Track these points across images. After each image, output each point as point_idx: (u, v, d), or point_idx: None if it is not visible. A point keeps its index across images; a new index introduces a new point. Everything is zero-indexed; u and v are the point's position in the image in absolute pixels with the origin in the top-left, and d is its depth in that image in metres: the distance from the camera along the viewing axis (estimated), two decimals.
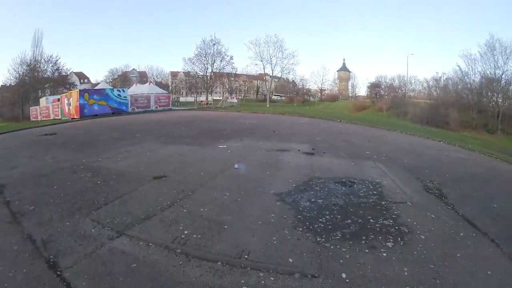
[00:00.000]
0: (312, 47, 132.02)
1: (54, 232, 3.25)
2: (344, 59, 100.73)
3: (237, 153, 7.43)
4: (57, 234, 3.22)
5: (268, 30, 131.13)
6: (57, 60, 46.33)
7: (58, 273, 2.52)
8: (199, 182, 4.96)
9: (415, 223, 3.58)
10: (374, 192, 4.65)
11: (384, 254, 2.82)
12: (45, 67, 45.35)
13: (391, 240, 3.11)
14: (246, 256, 2.74)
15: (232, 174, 5.65)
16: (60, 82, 47.54)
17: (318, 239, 3.08)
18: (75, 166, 6.10)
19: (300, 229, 3.32)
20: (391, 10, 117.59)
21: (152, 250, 2.82)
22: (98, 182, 4.95)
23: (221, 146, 8.37)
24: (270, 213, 3.77)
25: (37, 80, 43.03)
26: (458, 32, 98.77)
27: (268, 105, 48.12)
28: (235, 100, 53.17)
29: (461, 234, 3.41)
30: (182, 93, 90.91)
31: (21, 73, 42.51)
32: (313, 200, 4.22)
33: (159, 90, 41.06)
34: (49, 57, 45.18)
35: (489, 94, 36.84)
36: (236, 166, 6.17)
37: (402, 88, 53.38)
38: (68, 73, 51.55)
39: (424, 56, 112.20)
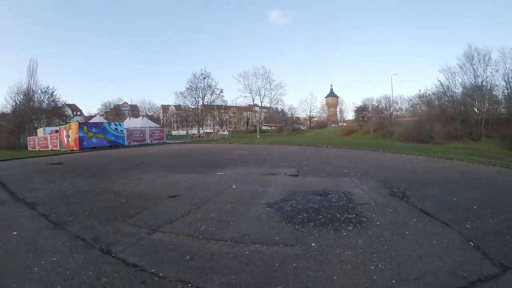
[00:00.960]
0: (300, 75, 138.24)
1: (100, 233, 4.20)
2: (331, 85, 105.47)
3: (233, 178, 8.61)
4: (102, 234, 4.17)
5: (255, 60, 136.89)
6: (53, 92, 47.74)
7: (113, 255, 3.47)
8: (206, 198, 6.13)
9: (374, 215, 4.78)
10: (344, 198, 5.91)
11: (345, 233, 4.00)
12: (42, 98, 46.63)
13: (351, 225, 4.30)
14: (247, 237, 3.90)
15: (231, 192, 6.81)
16: (56, 113, 48.78)
17: (296, 227, 4.28)
18: (96, 190, 7.20)
19: (284, 222, 4.51)
20: (374, 33, 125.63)
21: (182, 238, 3.94)
22: (123, 201, 6.05)
23: (219, 173, 9.55)
24: (262, 214, 4.95)
25: (33, 110, 43.91)
26: (438, 47, 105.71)
27: (258, 136, 49.66)
28: (226, 132, 54.63)
29: (414, 220, 4.55)
30: (173, 126, 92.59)
31: (17, 102, 43.40)
32: (294, 206, 5.44)
33: (152, 124, 42.58)
34: (45, 88, 46.60)
35: (471, 102, 38.36)
36: (233, 186, 7.39)
37: (389, 109, 55.43)
38: (62, 105, 52.80)
39: (409, 75, 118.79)
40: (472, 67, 37.56)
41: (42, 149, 30.52)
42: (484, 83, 36.97)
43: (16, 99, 43.49)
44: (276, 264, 3.12)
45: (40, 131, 36.24)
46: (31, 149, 32.81)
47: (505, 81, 35.96)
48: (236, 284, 2.73)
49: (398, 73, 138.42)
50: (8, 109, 44.77)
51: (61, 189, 7.56)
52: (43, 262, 3.28)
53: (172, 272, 2.98)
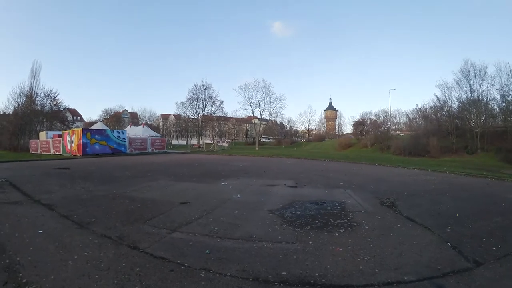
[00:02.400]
0: (299, 88, 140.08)
1: (124, 233, 4.73)
2: (330, 98, 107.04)
3: (237, 188, 9.28)
4: (126, 233, 4.71)
5: (256, 71, 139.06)
6: (56, 96, 47.70)
7: (141, 250, 4.04)
8: (214, 205, 6.79)
9: (363, 221, 5.48)
10: (338, 207, 6.62)
11: (337, 234, 4.69)
12: (44, 101, 46.44)
13: (343, 228, 5.00)
14: (255, 236, 4.58)
15: (236, 200, 7.48)
16: (58, 117, 48.72)
17: (296, 229, 4.97)
18: (110, 195, 7.82)
19: (285, 225, 5.19)
20: (373, 48, 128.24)
21: (198, 237, 4.59)
22: (139, 206, 6.66)
23: (223, 183, 10.22)
24: (265, 219, 5.64)
25: (35, 113, 43.90)
26: (436, 63, 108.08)
27: (257, 148, 50.46)
28: (225, 144, 55.25)
29: (399, 225, 5.28)
30: (173, 135, 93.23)
31: (20, 104, 43.25)
32: (293, 212, 6.13)
33: (153, 133, 43.11)
34: (48, 91, 46.46)
35: (467, 116, 38.80)
36: (238, 195, 8.06)
37: (387, 123, 56.13)
38: (64, 109, 52.63)
39: (408, 89, 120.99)
40: (468, 82, 38.27)
41: (44, 153, 31.07)
42: (480, 97, 37.65)
43: (19, 100, 43.39)
44: (280, 256, 3.80)
45: (42, 135, 36.69)
46: (33, 152, 33.29)
47: (501, 94, 36.63)
48: (249, 270, 3.38)
49: (397, 87, 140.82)
50: (10, 110, 44.78)
51: (75, 193, 8.19)
52: (75, 257, 3.71)
53: (195, 262, 3.61)
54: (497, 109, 38.23)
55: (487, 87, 37.23)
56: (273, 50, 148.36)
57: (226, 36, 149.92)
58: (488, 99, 37.59)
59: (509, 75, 35.52)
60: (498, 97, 37.04)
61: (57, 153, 29.49)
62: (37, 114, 44.67)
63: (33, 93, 43.80)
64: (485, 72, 37.00)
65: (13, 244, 4.16)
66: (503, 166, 23.78)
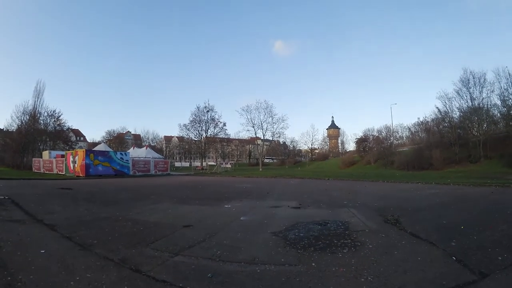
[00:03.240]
0: (301, 108, 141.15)
1: (126, 255, 4.69)
2: (332, 117, 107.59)
3: (240, 210, 9.25)
4: (128, 256, 4.67)
5: (258, 91, 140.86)
6: (59, 116, 48.30)
7: (143, 274, 4.01)
8: (218, 228, 6.75)
9: (367, 240, 5.42)
10: (342, 227, 6.57)
11: (340, 255, 4.64)
12: (48, 121, 47.03)
13: (347, 249, 4.95)
14: (257, 259, 4.54)
15: (240, 223, 7.45)
16: (61, 137, 49.19)
17: (299, 251, 4.92)
18: (113, 217, 7.80)
19: (288, 248, 5.14)
20: (374, 63, 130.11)
21: (201, 260, 4.56)
22: (141, 229, 6.64)
23: (227, 206, 10.19)
24: (268, 241, 5.60)
25: (38, 132, 44.38)
26: (436, 75, 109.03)
27: (261, 169, 50.31)
28: (228, 165, 55.24)
29: (403, 242, 5.23)
30: (176, 157, 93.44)
31: (23, 122, 43.91)
32: (297, 234, 6.07)
33: (156, 155, 43.30)
34: (52, 111, 47.05)
35: (469, 125, 39.10)
36: (241, 218, 8.03)
37: (389, 138, 56.55)
38: (67, 129, 53.22)
39: (409, 103, 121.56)
40: (468, 91, 38.75)
41: (47, 172, 31.37)
42: (480, 104, 37.92)
43: (22, 119, 44.03)
44: (283, 279, 3.76)
45: (45, 154, 37.07)
46: (36, 171, 33.62)
47: (501, 100, 37.06)
48: None
49: (398, 102, 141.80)
50: (13, 127, 45.47)
51: (78, 214, 8.19)
52: (78, 278, 3.71)
53: (197, 286, 3.60)
54: (498, 115, 38.68)
55: (487, 94, 37.75)
56: (274, 70, 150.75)
57: (229, 57, 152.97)
58: (489, 105, 38.00)
59: (508, 79, 36.08)
60: (499, 102, 37.58)
61: (60, 173, 29.73)
62: (41, 133, 45.18)
63: (37, 112, 44.46)
64: (485, 79, 37.60)
65: (15, 262, 4.17)
66: (507, 171, 23.51)
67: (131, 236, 5.94)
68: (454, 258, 4.26)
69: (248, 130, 61.54)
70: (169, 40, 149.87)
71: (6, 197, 10.34)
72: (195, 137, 63.27)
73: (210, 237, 5.96)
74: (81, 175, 25.89)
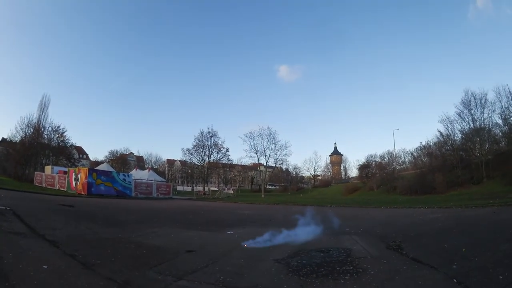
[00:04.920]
0: (304, 134, 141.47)
1: (129, 277, 4.72)
2: (335, 143, 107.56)
3: (243, 237, 9.17)
4: (132, 278, 4.70)
5: (260, 116, 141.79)
6: (63, 132, 48.48)
7: None
8: (220, 254, 6.79)
9: (369, 266, 5.44)
10: (344, 254, 6.58)
11: (342, 281, 4.69)
12: (52, 136, 47.12)
13: (349, 275, 4.98)
14: (260, 286, 4.58)
15: (242, 249, 7.47)
16: (64, 153, 48.96)
17: (301, 278, 4.96)
18: (116, 238, 7.81)
19: (290, 275, 5.17)
20: (375, 89, 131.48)
21: (204, 285, 4.60)
22: (144, 251, 6.66)
23: (229, 232, 10.20)
24: (271, 268, 5.63)
25: (42, 146, 44.32)
26: (438, 98, 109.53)
27: (263, 195, 49.91)
28: (231, 191, 54.91)
29: (404, 268, 5.29)
30: (178, 181, 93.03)
31: (27, 134, 43.89)
32: (299, 261, 6.09)
33: (158, 178, 43.26)
34: (56, 127, 47.27)
35: (471, 147, 39.02)
36: (244, 244, 7.99)
37: (392, 164, 56.45)
38: (70, 145, 52.86)
39: (412, 127, 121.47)
40: (470, 112, 38.94)
41: (49, 187, 31.19)
42: (482, 125, 38.06)
43: (26, 131, 44.09)
44: None
45: (48, 169, 37.03)
46: (37, 184, 33.37)
47: (502, 118, 37.28)
48: None
49: (400, 127, 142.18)
50: (17, 138, 45.55)
51: (80, 232, 8.17)
52: None
53: None
54: (500, 133, 38.77)
55: (489, 114, 38.05)
56: (277, 95, 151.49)
57: (233, 82, 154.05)
58: (491, 125, 38.17)
59: (508, 97, 36.31)
60: (500, 121, 37.77)
61: (61, 189, 29.58)
62: (44, 147, 45.19)
63: (41, 126, 44.58)
64: (485, 100, 37.89)
65: (16, 275, 4.18)
66: (509, 190, 23.18)
67: (134, 259, 5.98)
68: (455, 281, 4.31)
69: (251, 157, 61.65)
70: (174, 64, 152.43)
71: (8, 208, 10.19)
72: (198, 162, 63.31)
73: (213, 262, 5.98)
74: (82, 193, 25.83)
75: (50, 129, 46.62)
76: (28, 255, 5.32)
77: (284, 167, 78.63)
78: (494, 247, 5.95)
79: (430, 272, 4.93)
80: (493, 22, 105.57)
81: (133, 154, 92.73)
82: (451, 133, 42.00)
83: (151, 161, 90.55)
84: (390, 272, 5.07)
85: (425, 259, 5.66)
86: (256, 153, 58.47)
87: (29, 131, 44.19)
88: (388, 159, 58.26)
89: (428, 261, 5.50)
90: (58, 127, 47.90)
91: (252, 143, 59.04)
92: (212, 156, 61.52)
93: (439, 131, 44.22)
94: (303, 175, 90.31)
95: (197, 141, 60.34)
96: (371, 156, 63.02)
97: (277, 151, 58.67)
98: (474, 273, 4.53)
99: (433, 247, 6.64)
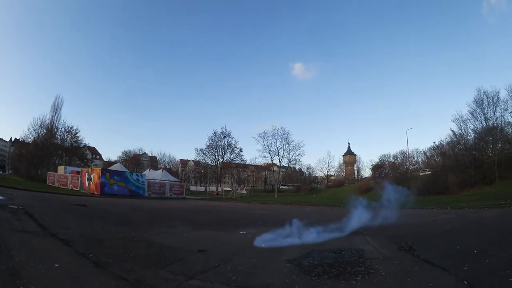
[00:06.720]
0: (318, 134, 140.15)
1: (141, 276, 4.76)
2: (349, 143, 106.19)
3: (255, 237, 9.18)
4: (144, 277, 4.75)
5: (273, 115, 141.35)
6: (76, 132, 49.35)
7: None
8: (232, 253, 6.83)
9: (380, 267, 5.37)
10: (356, 254, 6.50)
11: (353, 282, 4.63)
12: (65, 137, 48.16)
13: (360, 276, 4.92)
14: (272, 286, 4.58)
15: (254, 249, 7.47)
16: (77, 153, 49.87)
17: (313, 278, 4.93)
18: (128, 237, 7.96)
19: (302, 275, 5.15)
20: (389, 88, 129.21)
21: (216, 284, 4.64)
22: (156, 251, 6.76)
23: (242, 232, 10.24)
24: (283, 268, 5.62)
25: (55, 146, 45.34)
26: (451, 96, 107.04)
27: (276, 195, 49.90)
28: (244, 191, 55.01)
29: (416, 269, 5.21)
30: (192, 181, 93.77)
31: (40, 135, 44.96)
32: (311, 261, 6.05)
33: (171, 178, 43.66)
34: (69, 127, 48.18)
35: (483, 146, 38.72)
36: (256, 244, 8.01)
37: (405, 164, 55.67)
38: (83, 145, 53.78)
39: (426, 126, 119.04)
40: (482, 111, 38.58)
41: (62, 187, 31.77)
42: (494, 124, 37.73)
43: (39, 132, 45.12)
44: None
45: (61, 169, 37.84)
46: (50, 184, 34.11)
47: None
48: None
49: (414, 127, 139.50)
50: (30, 139, 46.59)
51: (92, 231, 8.36)
52: None
53: None
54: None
55: (501, 113, 37.72)
56: (292, 94, 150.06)
57: (247, 81, 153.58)
58: (503, 124, 37.85)
59: None
60: None
61: (74, 189, 30.08)
62: (57, 147, 46.22)
63: (54, 126, 45.64)
64: (498, 98, 37.54)
65: (28, 272, 4.28)
66: None
67: (146, 258, 6.06)
68: (466, 283, 4.25)
69: (264, 157, 61.80)
70: (188, 64, 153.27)
71: (20, 207, 10.39)
72: (211, 162, 63.70)
73: (225, 262, 6.01)
74: (95, 193, 26.26)
75: (63, 129, 47.64)
76: (40, 254, 5.44)
77: (297, 167, 78.35)
78: (505, 248, 5.86)
79: (441, 273, 4.87)
80: (506, 19, 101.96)
81: (147, 154, 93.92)
82: (464, 132, 41.76)
83: (164, 161, 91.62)
84: (401, 274, 5.01)
85: (436, 260, 5.58)
86: (269, 153, 58.65)
87: (42, 132, 45.23)
88: (401, 159, 57.47)
89: (440, 262, 5.42)
90: (71, 127, 48.88)
91: (265, 143, 59.22)
92: (225, 156, 61.93)
93: (452, 131, 43.99)
94: (317, 175, 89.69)
95: (210, 141, 60.91)
96: (384, 156, 62.25)
97: (290, 151, 58.70)
98: (485, 275, 4.47)
99: (445, 248, 6.54)
